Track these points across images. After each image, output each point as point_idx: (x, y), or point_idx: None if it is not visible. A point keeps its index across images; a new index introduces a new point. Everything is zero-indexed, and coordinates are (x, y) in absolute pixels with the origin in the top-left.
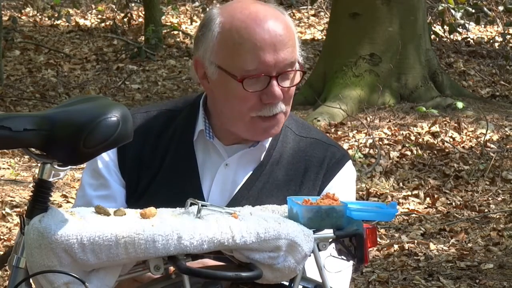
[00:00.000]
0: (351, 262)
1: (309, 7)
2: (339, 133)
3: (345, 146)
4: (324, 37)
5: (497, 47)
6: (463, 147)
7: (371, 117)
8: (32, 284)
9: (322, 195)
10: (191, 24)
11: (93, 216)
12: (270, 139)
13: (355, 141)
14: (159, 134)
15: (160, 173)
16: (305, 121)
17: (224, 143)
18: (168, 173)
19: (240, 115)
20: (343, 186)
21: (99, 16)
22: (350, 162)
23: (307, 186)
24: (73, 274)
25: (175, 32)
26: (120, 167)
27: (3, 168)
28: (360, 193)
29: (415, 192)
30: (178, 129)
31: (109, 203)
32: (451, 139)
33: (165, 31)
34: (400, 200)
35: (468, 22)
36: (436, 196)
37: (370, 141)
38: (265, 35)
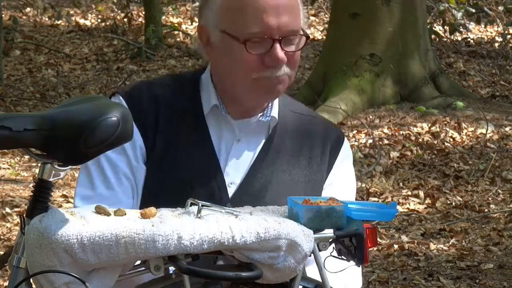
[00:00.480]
0: (351, 262)
1: (309, 7)
2: None
3: None
4: (324, 37)
5: (497, 47)
6: (463, 147)
7: (371, 117)
8: (32, 284)
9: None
10: (191, 24)
11: (93, 216)
12: (276, 111)
13: (355, 141)
14: (169, 105)
15: (174, 144)
16: (292, 98)
17: (233, 116)
18: (182, 146)
19: (243, 78)
20: (347, 162)
21: (99, 16)
22: (346, 139)
23: (316, 161)
24: (74, 274)
25: (175, 32)
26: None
27: (3, 168)
28: (360, 193)
29: (415, 192)
30: (186, 104)
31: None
32: (451, 139)
33: (165, 31)
34: (400, 200)
35: (468, 22)
36: (436, 196)
37: (370, 141)
38: (269, 0)
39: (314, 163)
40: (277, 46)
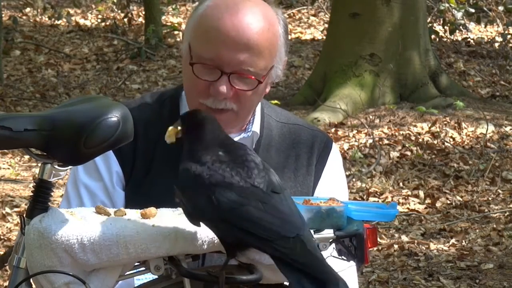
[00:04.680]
0: (352, 262)
1: (309, 7)
2: (339, 133)
3: (345, 146)
4: (324, 37)
5: (497, 47)
6: (463, 147)
7: (371, 117)
8: (33, 284)
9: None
10: None
11: (94, 216)
12: (258, 126)
13: (355, 141)
14: (147, 127)
15: (154, 166)
16: (277, 106)
17: None
18: (163, 166)
19: (192, 99)
20: (337, 167)
21: (99, 16)
22: (334, 144)
23: (302, 172)
24: (74, 274)
25: (175, 32)
26: (120, 164)
27: (3, 168)
28: (360, 193)
29: (415, 192)
30: (165, 123)
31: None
32: (451, 139)
33: (165, 31)
34: (400, 200)
35: (468, 22)
36: (436, 196)
37: (370, 141)
38: (232, 32)
39: (300, 174)
40: (223, 79)
